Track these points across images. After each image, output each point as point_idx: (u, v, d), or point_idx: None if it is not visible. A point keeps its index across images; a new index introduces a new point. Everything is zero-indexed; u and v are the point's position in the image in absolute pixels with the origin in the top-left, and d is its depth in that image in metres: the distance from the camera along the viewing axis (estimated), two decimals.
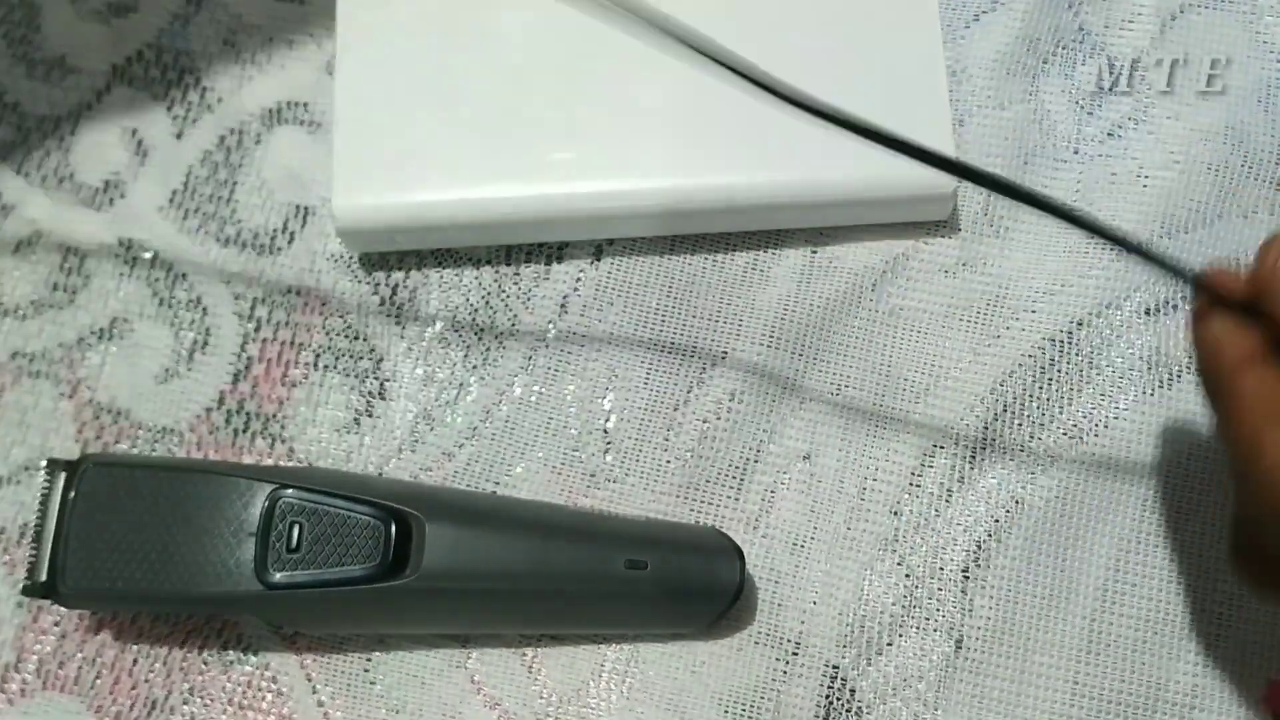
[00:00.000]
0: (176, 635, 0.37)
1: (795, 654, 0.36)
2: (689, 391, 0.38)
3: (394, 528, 0.33)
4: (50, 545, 0.34)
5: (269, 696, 0.37)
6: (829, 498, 0.37)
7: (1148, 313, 0.38)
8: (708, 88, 0.38)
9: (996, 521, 0.37)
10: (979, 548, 0.36)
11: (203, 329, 0.40)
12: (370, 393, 0.39)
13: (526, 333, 0.39)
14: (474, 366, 0.39)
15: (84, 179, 0.42)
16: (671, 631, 0.36)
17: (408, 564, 0.33)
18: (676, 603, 0.35)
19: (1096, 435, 0.37)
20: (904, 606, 0.36)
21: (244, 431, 0.39)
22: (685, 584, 0.35)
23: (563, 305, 0.40)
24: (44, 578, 0.34)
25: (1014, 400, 0.37)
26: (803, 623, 0.36)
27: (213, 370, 0.40)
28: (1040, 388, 0.37)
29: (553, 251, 0.40)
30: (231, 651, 0.37)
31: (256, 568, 0.33)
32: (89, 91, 0.43)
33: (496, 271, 0.40)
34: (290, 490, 0.34)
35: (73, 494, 0.34)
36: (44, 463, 0.35)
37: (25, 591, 0.34)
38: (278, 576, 0.33)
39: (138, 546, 0.34)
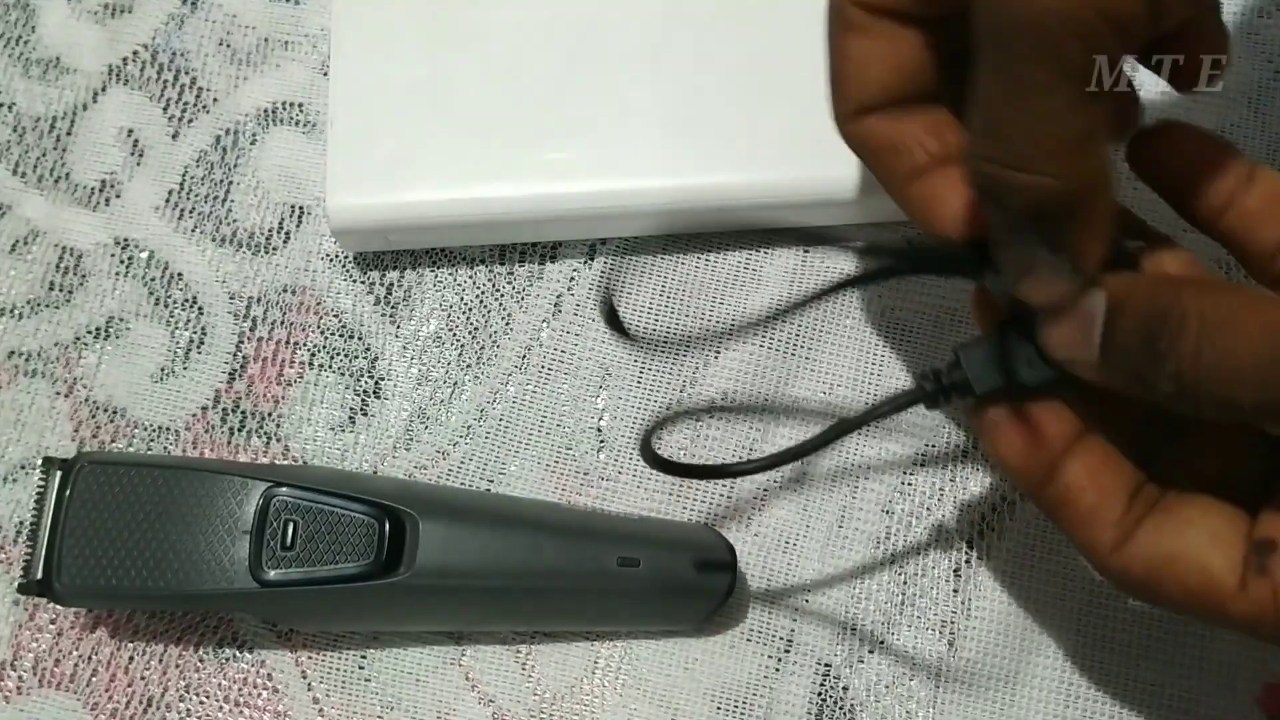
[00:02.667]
0: (172, 633, 0.38)
1: (787, 651, 0.36)
2: (682, 390, 0.39)
3: (388, 526, 0.34)
4: (46, 543, 0.34)
5: (264, 693, 0.37)
6: (821, 496, 0.37)
7: None
8: (700, 88, 0.39)
9: (987, 521, 0.37)
10: (970, 547, 0.37)
11: (199, 328, 0.40)
12: (365, 391, 0.39)
13: (520, 332, 0.40)
14: (468, 365, 0.39)
15: (80, 179, 0.42)
16: (664, 629, 0.37)
17: (401, 562, 0.34)
18: (669, 600, 0.35)
19: None
20: (896, 605, 0.36)
21: (239, 430, 0.39)
22: (677, 581, 0.35)
23: (556, 304, 0.40)
24: (40, 575, 0.34)
25: None
26: (795, 620, 0.36)
27: (208, 369, 0.40)
28: None
29: (546, 251, 0.40)
30: (227, 649, 0.37)
31: (251, 565, 0.34)
32: (85, 91, 0.43)
33: (490, 271, 0.40)
34: (284, 489, 0.34)
35: (68, 492, 0.34)
36: (40, 461, 0.36)
37: (21, 589, 0.34)
38: (272, 574, 0.33)
39: (133, 544, 0.34)
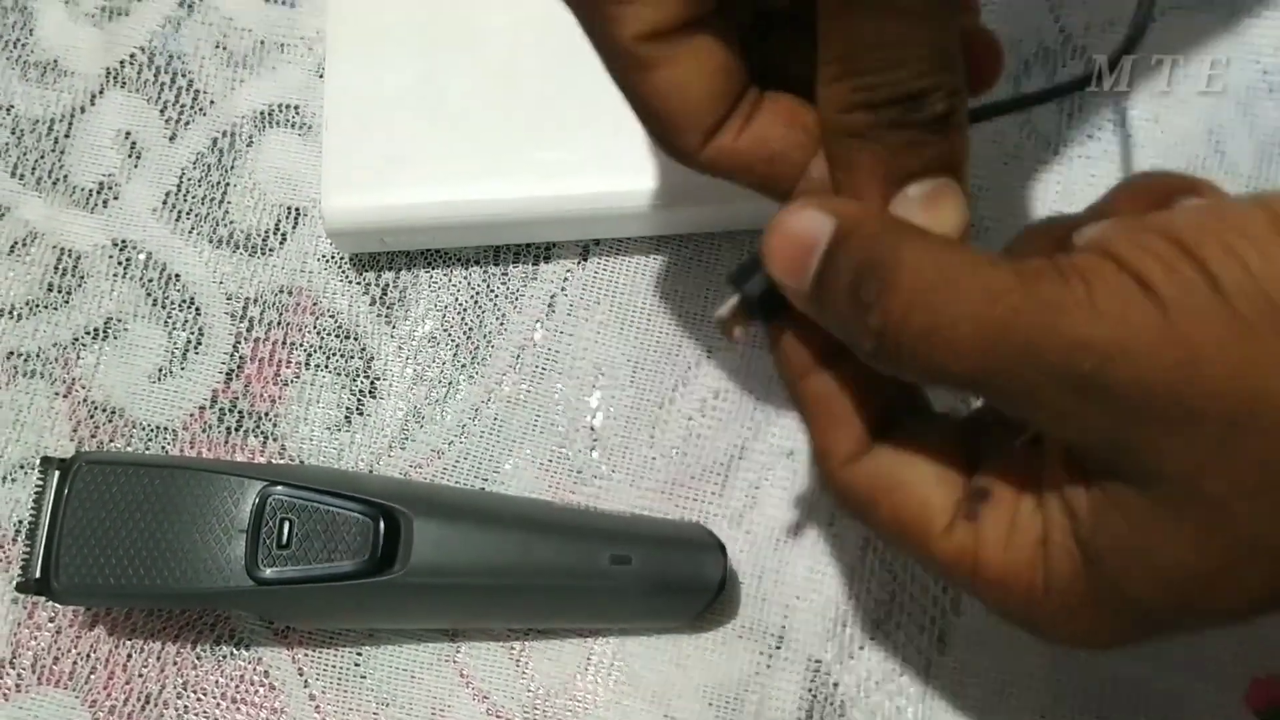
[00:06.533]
0: (169, 630, 0.38)
1: (779, 648, 0.36)
2: (674, 389, 0.39)
3: (382, 524, 0.34)
4: (44, 542, 0.35)
5: (261, 690, 0.37)
6: (813, 494, 0.38)
7: None
8: None
9: None
10: None
11: (196, 329, 0.41)
12: (361, 391, 0.40)
13: (514, 332, 0.40)
14: (463, 365, 0.40)
15: (78, 181, 0.43)
16: (657, 625, 0.37)
17: (396, 560, 0.34)
18: (661, 597, 0.35)
19: None
20: (887, 602, 0.37)
21: (236, 430, 0.40)
22: (669, 578, 0.35)
23: (550, 304, 0.40)
24: (38, 574, 0.35)
25: None
26: (786, 617, 0.37)
27: (206, 369, 0.40)
28: None
29: (540, 251, 0.41)
30: (224, 646, 0.38)
31: (247, 564, 0.34)
32: (82, 94, 0.43)
33: (485, 271, 0.40)
34: (280, 488, 0.34)
35: (66, 491, 0.35)
36: (38, 461, 0.36)
37: (19, 588, 0.35)
38: (268, 572, 0.34)
39: (130, 543, 0.34)
